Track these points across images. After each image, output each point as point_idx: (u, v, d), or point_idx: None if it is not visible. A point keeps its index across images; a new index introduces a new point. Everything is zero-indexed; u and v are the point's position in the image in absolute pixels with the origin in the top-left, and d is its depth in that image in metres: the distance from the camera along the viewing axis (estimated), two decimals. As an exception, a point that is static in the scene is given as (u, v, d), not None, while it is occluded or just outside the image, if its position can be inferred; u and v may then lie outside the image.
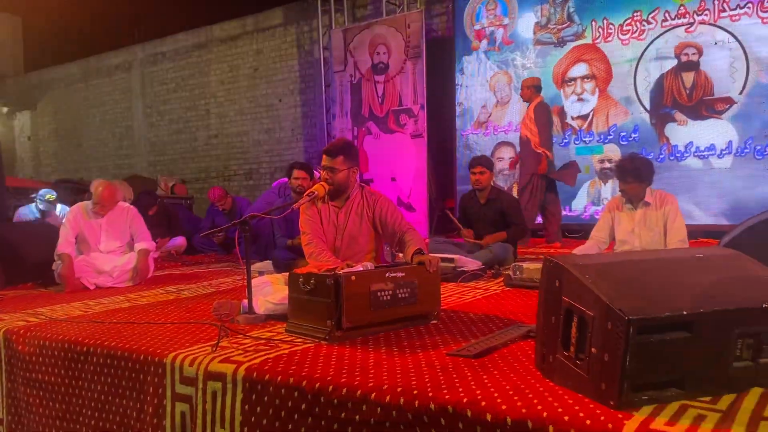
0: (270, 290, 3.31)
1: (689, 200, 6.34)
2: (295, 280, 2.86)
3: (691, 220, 4.64)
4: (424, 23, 8.29)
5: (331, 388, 2.12)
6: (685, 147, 6.70)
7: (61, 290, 4.68)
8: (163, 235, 7.07)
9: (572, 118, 7.43)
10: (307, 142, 10.49)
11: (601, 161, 7.25)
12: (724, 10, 6.48)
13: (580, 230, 7.32)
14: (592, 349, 1.83)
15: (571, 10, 7.38)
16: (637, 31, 6.97)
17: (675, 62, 6.76)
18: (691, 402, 1.77)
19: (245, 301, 3.22)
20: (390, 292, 2.80)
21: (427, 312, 3.02)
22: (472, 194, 5.40)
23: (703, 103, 6.61)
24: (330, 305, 2.67)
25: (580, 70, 7.37)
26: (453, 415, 1.87)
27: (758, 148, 6.30)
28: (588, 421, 1.68)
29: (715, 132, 6.54)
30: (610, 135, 7.18)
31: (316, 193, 3.32)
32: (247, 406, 2.31)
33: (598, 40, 7.23)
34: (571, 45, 7.42)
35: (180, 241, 7.26)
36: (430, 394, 1.95)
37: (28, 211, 6.83)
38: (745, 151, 6.37)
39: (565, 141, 7.46)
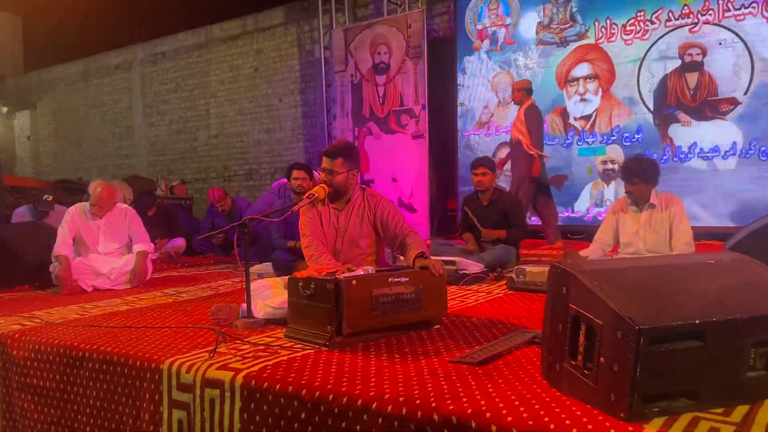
0: (269, 294, 3.26)
1: (693, 202, 6.28)
2: (295, 285, 2.80)
3: (696, 222, 4.59)
4: (425, 23, 8.24)
5: (331, 396, 2.07)
6: (689, 148, 6.65)
7: (58, 292, 4.62)
8: (162, 236, 7.02)
9: (575, 119, 7.37)
10: (308, 143, 10.43)
11: (604, 162, 7.19)
12: (728, 10, 6.42)
13: (583, 232, 7.26)
14: (601, 359, 1.78)
15: (574, 9, 7.33)
16: (640, 31, 6.91)
17: (679, 62, 6.70)
18: (703, 414, 1.72)
19: (244, 305, 3.17)
20: (393, 296, 2.74)
21: (432, 317, 2.96)
22: (474, 196, 5.34)
23: (707, 104, 6.55)
24: (330, 310, 2.61)
25: (582, 70, 7.31)
26: (457, 426, 1.81)
27: (763, 149, 6.24)
28: (597, 434, 1.63)
29: (720, 133, 6.48)
30: (613, 136, 7.12)
31: (316, 195, 3.27)
32: (245, 415, 2.25)
33: (601, 40, 7.17)
34: (573, 45, 7.36)
35: (179, 242, 7.21)
36: (433, 405, 1.90)
37: (25, 212, 6.75)
38: (750, 152, 6.32)
39: (567, 142, 7.40)
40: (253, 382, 2.25)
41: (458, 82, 8.15)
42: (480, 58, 8.04)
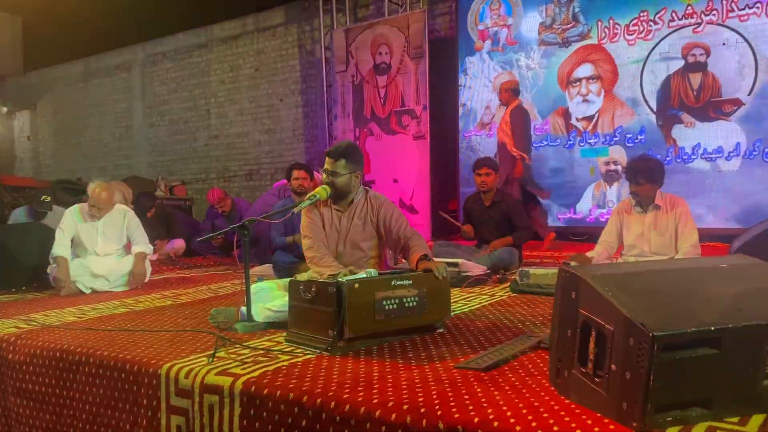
0: (269, 297, 3.21)
1: (696, 203, 6.20)
2: (296, 288, 2.75)
3: (699, 224, 4.50)
4: (426, 23, 8.18)
5: (333, 404, 2.01)
6: (693, 149, 6.59)
7: (56, 294, 4.57)
8: (161, 238, 6.97)
9: (577, 120, 7.31)
10: (308, 143, 10.37)
11: (607, 163, 7.13)
12: (732, 10, 6.36)
13: (585, 234, 7.21)
14: (612, 366, 1.72)
15: (577, 10, 7.27)
16: (643, 31, 6.85)
17: (682, 63, 6.64)
18: (718, 423, 1.67)
19: (244, 308, 3.11)
20: (396, 300, 2.68)
21: (434, 321, 2.91)
22: (477, 196, 5.30)
23: (711, 105, 6.50)
24: (332, 314, 2.56)
25: (585, 70, 7.25)
26: (463, 435, 1.76)
27: (767, 150, 6.18)
28: (609, 445, 1.58)
29: (723, 134, 6.41)
30: (616, 137, 7.06)
31: (318, 196, 3.21)
32: (245, 421, 2.20)
33: (603, 41, 7.11)
34: (576, 45, 7.30)
35: (179, 243, 7.16)
36: (439, 413, 1.84)
37: (20, 214, 6.66)
38: (754, 153, 6.26)
39: (569, 143, 7.34)
40: (253, 388, 2.20)
41: (460, 83, 8.08)
42: (482, 59, 7.98)
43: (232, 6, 11.38)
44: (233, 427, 2.22)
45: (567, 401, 1.90)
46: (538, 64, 7.58)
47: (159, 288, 4.82)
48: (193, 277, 5.51)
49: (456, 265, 4.35)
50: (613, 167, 7.08)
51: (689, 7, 6.57)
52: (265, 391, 2.16)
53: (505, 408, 1.85)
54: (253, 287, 3.19)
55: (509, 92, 6.61)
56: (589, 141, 7.23)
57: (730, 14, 6.37)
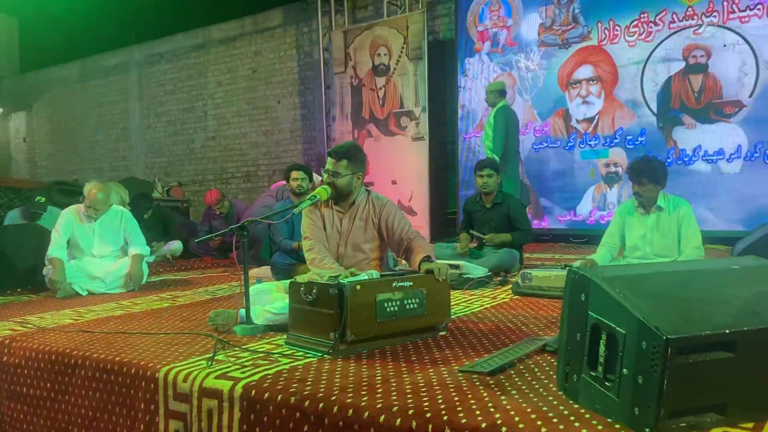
0: (269, 299, 3.15)
1: (697, 205, 6.14)
2: (296, 290, 2.70)
3: (701, 226, 4.46)
4: (426, 24, 8.15)
5: (336, 408, 1.96)
6: (693, 151, 6.56)
7: (51, 296, 4.51)
8: (158, 239, 6.92)
9: (577, 121, 7.29)
10: (306, 145, 10.33)
11: (607, 165, 7.10)
12: (733, 12, 6.34)
13: (585, 236, 7.18)
14: (624, 370, 1.68)
15: (577, 11, 7.24)
16: (644, 32, 6.83)
17: (683, 64, 6.62)
18: (732, 429, 1.62)
19: (243, 311, 3.06)
20: (398, 302, 2.64)
21: (436, 324, 2.86)
22: (477, 198, 5.25)
23: (712, 107, 6.47)
24: (333, 317, 2.51)
25: (585, 72, 7.23)
26: (471, 441, 1.71)
27: (768, 152, 6.17)
28: (622, 452, 1.53)
29: (724, 136, 6.39)
30: (616, 138, 7.03)
31: (319, 196, 3.16)
32: (245, 426, 2.15)
33: (603, 42, 7.09)
34: (576, 47, 7.28)
35: (176, 245, 7.10)
36: (445, 418, 1.79)
37: (14, 216, 6.58)
38: (755, 155, 6.23)
39: (569, 144, 7.31)
40: (253, 392, 2.15)
41: (459, 84, 8.06)
42: (481, 60, 7.95)
43: (229, 7, 11.33)
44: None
45: (576, 406, 1.85)
46: (537, 66, 7.56)
47: (156, 290, 4.76)
48: (191, 279, 5.45)
49: (457, 267, 4.30)
50: (613, 169, 7.05)
51: (690, 9, 6.55)
52: (266, 395, 2.11)
53: (513, 413, 1.80)
54: (253, 289, 3.14)
55: (495, 93, 6.58)
56: (589, 143, 7.20)
57: (731, 16, 6.35)
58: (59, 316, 3.67)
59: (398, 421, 1.84)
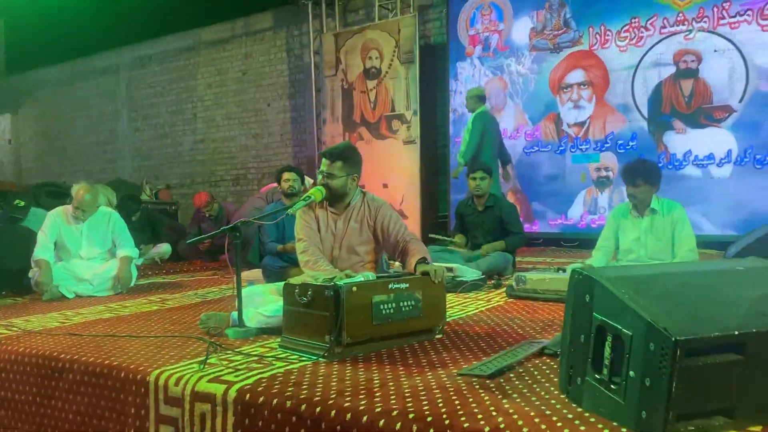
0: (262, 301, 3.10)
1: (687, 209, 6.15)
2: (291, 291, 2.65)
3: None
4: (417, 28, 8.13)
5: (333, 412, 1.91)
6: (684, 156, 6.58)
7: (37, 299, 4.42)
8: (146, 242, 6.83)
9: (568, 126, 7.28)
10: (296, 148, 10.26)
11: (598, 169, 7.10)
12: (723, 18, 6.37)
13: (576, 239, 7.17)
14: (630, 372, 1.64)
15: (568, 15, 7.25)
16: (635, 37, 6.84)
17: (673, 69, 6.63)
18: (741, 433, 1.59)
19: (235, 313, 3.00)
20: (394, 304, 2.59)
21: (432, 326, 2.82)
22: (470, 201, 5.23)
23: (702, 111, 6.49)
24: (329, 319, 2.46)
25: (576, 76, 7.23)
26: (474, 446, 1.67)
27: (758, 157, 6.18)
28: (631, 456, 1.49)
29: (715, 141, 6.41)
30: (607, 143, 7.04)
31: (313, 197, 3.11)
32: (239, 431, 2.09)
33: (595, 47, 7.10)
34: (567, 51, 7.28)
35: (164, 247, 7.01)
36: (447, 422, 1.75)
37: None
38: (745, 160, 6.25)
39: (561, 149, 7.31)
40: (248, 395, 2.10)
41: (450, 88, 8.03)
42: (472, 64, 7.94)
43: (219, 10, 11.24)
44: (226, 436, 2.12)
45: (580, 409, 1.82)
46: (529, 70, 7.56)
47: (145, 293, 4.68)
48: (180, 281, 5.38)
49: (450, 270, 4.26)
50: (604, 173, 7.06)
51: (680, 14, 6.57)
52: (261, 399, 2.06)
53: (516, 416, 1.76)
54: (245, 291, 3.08)
55: (474, 99, 6.66)
56: (580, 147, 7.20)
57: (721, 21, 6.38)
58: (46, 319, 3.60)
59: (398, 425, 1.79)
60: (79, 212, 4.65)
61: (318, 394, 2.03)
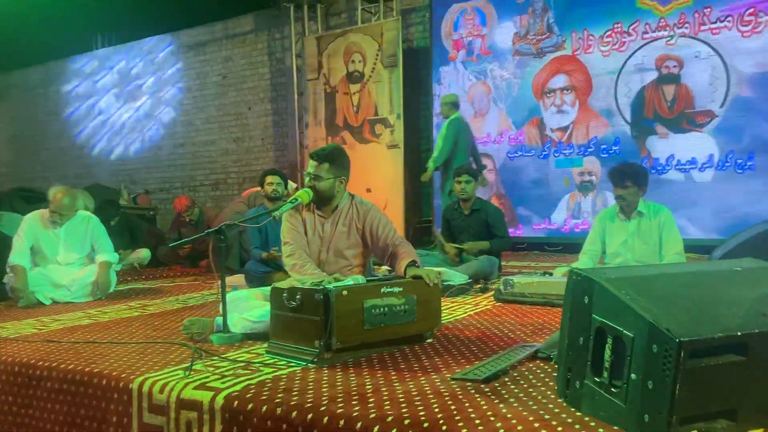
0: (247, 306, 3.02)
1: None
2: (279, 296, 2.58)
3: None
4: (400, 32, 8.11)
5: (326, 419, 1.85)
6: (667, 160, 6.62)
7: (13, 305, 4.28)
8: (125, 247, 6.68)
9: (552, 130, 7.30)
10: (278, 152, 10.18)
11: (581, 174, 7.12)
12: (704, 24, 6.43)
13: (560, 244, 7.18)
14: (632, 375, 1.61)
15: (551, 20, 7.28)
16: (617, 42, 6.88)
17: (656, 74, 6.68)
18: (744, 435, 1.56)
19: (219, 319, 2.92)
20: (386, 308, 2.53)
21: (426, 331, 2.77)
22: (456, 205, 5.19)
23: (685, 116, 6.54)
24: (319, 323, 2.40)
25: (559, 81, 7.25)
26: (474, 452, 1.62)
27: (739, 162, 6.24)
28: (636, 461, 1.45)
29: (697, 145, 6.46)
30: (591, 147, 7.07)
31: (300, 199, 3.04)
32: (227, 440, 2.02)
33: (578, 52, 7.13)
34: (550, 56, 7.30)
35: (143, 252, 6.87)
36: (444, 428, 1.71)
37: None
38: (726, 164, 6.31)
39: (544, 153, 7.33)
40: (236, 403, 2.03)
41: (434, 92, 8.01)
42: (456, 69, 7.94)
43: (199, 13, 11.12)
44: (213, 446, 2.04)
45: (579, 414, 1.78)
46: (512, 75, 7.57)
47: (124, 298, 4.57)
48: (160, 287, 5.26)
49: (438, 274, 4.21)
50: (587, 178, 7.08)
51: (662, 20, 6.62)
52: (250, 406, 1.99)
53: (514, 422, 1.72)
54: (229, 296, 3.00)
55: (448, 105, 6.71)
56: (563, 151, 7.22)
57: (702, 27, 6.44)
58: (21, 326, 3.49)
59: (394, 431, 1.74)
60: (56, 216, 4.53)
61: (309, 400, 1.97)
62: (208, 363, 2.47)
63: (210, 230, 3.04)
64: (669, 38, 6.59)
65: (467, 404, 1.88)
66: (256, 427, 1.95)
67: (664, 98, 6.63)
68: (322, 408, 1.90)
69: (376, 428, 1.77)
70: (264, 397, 2.02)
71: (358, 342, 2.48)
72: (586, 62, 7.07)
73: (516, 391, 2.01)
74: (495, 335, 2.94)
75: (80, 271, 4.57)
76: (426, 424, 1.73)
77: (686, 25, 6.52)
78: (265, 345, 2.68)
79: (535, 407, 1.84)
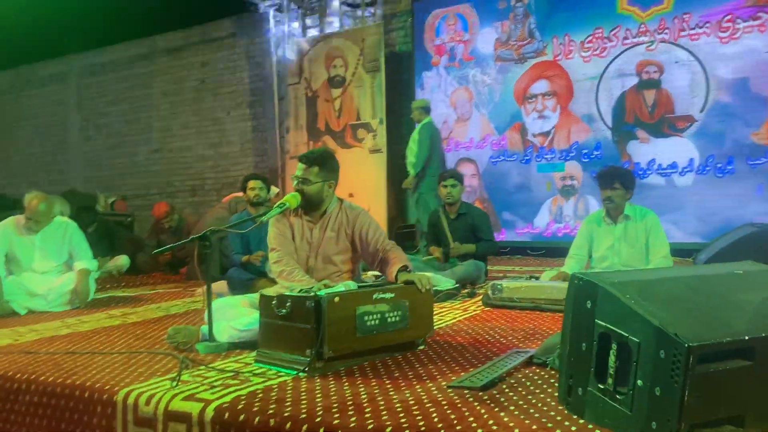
0: (233, 314, 2.94)
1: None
2: (268, 303, 2.51)
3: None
4: (382, 37, 8.08)
5: (322, 430, 1.79)
6: (648, 164, 6.66)
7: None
8: (103, 254, 6.52)
9: (533, 135, 7.32)
10: (258, 157, 10.06)
11: (563, 178, 7.14)
12: (683, 30, 6.50)
13: (542, 248, 7.19)
14: (638, 382, 1.57)
15: (533, 26, 7.30)
16: (598, 48, 6.92)
17: (636, 80, 6.73)
18: (751, 442, 1.54)
19: (205, 327, 2.84)
20: (378, 315, 2.48)
21: (419, 337, 2.72)
22: (441, 210, 5.16)
23: (665, 121, 6.60)
24: (310, 331, 2.34)
25: (541, 86, 7.28)
26: (478, 463, 1.57)
27: (719, 166, 6.30)
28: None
29: (677, 150, 6.51)
30: (572, 152, 7.09)
31: (288, 204, 2.98)
32: (218, 453, 1.95)
33: (559, 57, 7.16)
34: (532, 61, 7.32)
35: (122, 260, 6.72)
36: (446, 438, 1.65)
37: None
38: (707, 168, 6.37)
39: (526, 158, 7.34)
40: (227, 414, 1.96)
41: (417, 97, 7.97)
42: (438, 74, 7.93)
43: (176, 17, 10.97)
44: (203, 459, 1.97)
45: (582, 421, 1.74)
46: (494, 80, 7.58)
47: (104, 307, 4.44)
48: (141, 295, 5.14)
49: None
50: (569, 182, 7.10)
51: (643, 26, 6.68)
52: (241, 417, 1.93)
53: (517, 430, 1.68)
54: (215, 304, 2.92)
55: (420, 110, 6.81)
56: (545, 156, 7.24)
57: (682, 33, 6.51)
58: (-3, 337, 3.36)
59: (394, 442, 1.69)
60: (31, 223, 4.40)
61: (303, 411, 1.91)
62: (196, 373, 2.39)
63: (194, 236, 2.96)
64: (649, 44, 6.64)
65: (467, 413, 1.83)
66: (249, 439, 1.89)
67: (645, 103, 6.68)
68: (317, 419, 1.84)
69: (375, 439, 1.71)
70: (255, 408, 1.95)
71: (350, 350, 2.42)
72: (567, 68, 7.11)
73: (515, 398, 1.97)
74: (487, 341, 2.90)
75: (57, 279, 4.43)
76: (427, 435, 1.68)
77: (666, 30, 6.58)
78: (253, 354, 2.61)
79: (536, 415, 1.80)
